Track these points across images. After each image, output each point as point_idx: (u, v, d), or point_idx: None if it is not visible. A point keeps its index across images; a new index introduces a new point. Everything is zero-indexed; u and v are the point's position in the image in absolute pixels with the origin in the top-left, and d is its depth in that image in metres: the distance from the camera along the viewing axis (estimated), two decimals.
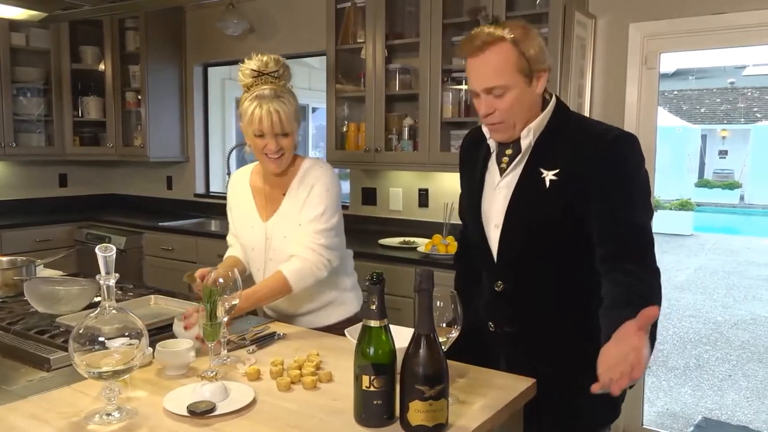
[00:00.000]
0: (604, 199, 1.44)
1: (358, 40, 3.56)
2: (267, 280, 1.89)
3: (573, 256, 1.51)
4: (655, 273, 1.42)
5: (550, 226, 1.50)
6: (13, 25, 4.40)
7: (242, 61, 1.90)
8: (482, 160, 1.64)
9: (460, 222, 1.88)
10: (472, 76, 1.49)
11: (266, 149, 1.88)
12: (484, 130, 1.60)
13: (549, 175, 1.48)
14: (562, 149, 1.50)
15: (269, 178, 2.01)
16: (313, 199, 1.92)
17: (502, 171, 1.58)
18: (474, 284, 1.71)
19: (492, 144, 1.60)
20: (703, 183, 18.20)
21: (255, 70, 1.87)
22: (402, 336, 1.28)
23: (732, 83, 18.75)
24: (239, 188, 2.09)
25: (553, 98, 1.56)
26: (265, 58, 1.88)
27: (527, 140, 1.52)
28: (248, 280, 2.13)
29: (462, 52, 1.52)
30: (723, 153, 19.94)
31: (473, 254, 1.72)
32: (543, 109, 1.54)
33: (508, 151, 1.57)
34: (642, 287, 1.37)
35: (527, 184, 1.52)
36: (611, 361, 1.21)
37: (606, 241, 1.44)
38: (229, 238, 2.18)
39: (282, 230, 1.96)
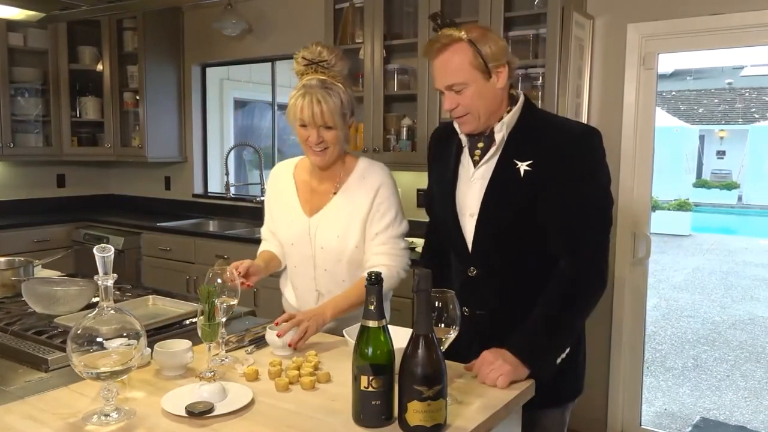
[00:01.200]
0: (572, 187, 1.55)
1: (357, 41, 3.56)
2: (354, 288, 1.84)
3: (543, 241, 1.60)
4: (599, 275, 1.56)
5: (525, 212, 1.59)
6: (11, 25, 4.39)
7: (298, 50, 1.87)
8: (454, 154, 1.73)
9: None
10: (435, 75, 1.62)
11: (309, 141, 1.84)
12: (455, 125, 1.70)
13: (523, 166, 1.58)
14: (533, 143, 1.60)
15: (317, 173, 1.95)
16: (383, 204, 1.89)
17: (475, 163, 1.67)
18: (439, 259, 1.82)
19: (463, 139, 1.69)
20: (701, 183, 18.21)
21: (306, 59, 1.83)
22: (400, 336, 1.28)
23: (730, 84, 18.80)
24: (282, 180, 2.03)
25: (522, 96, 1.65)
26: (318, 48, 1.83)
27: (501, 134, 1.62)
28: (269, 279, 2.07)
29: (425, 55, 1.64)
30: (721, 153, 19.96)
31: (440, 239, 1.82)
32: (512, 104, 1.64)
33: (480, 145, 1.66)
34: (561, 320, 1.54)
35: (503, 174, 1.61)
36: (481, 361, 1.48)
37: (566, 228, 1.56)
38: (264, 232, 2.11)
39: (328, 227, 1.90)
